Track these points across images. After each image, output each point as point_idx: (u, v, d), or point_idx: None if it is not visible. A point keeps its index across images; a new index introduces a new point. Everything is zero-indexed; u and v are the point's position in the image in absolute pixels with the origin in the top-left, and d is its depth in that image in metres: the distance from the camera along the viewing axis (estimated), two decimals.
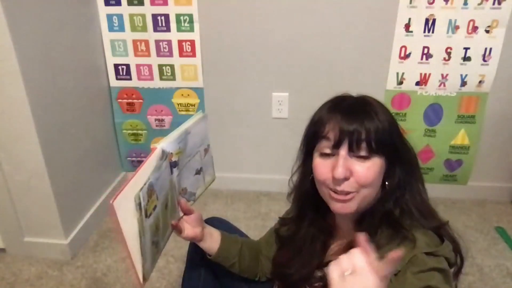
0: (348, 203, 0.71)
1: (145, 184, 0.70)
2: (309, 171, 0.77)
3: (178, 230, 0.86)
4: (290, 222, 0.89)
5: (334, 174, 0.68)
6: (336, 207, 0.72)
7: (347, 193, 0.70)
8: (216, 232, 0.94)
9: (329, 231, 0.81)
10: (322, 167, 0.72)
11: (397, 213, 0.72)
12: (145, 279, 0.75)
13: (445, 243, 0.69)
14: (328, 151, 0.71)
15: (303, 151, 0.82)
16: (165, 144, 0.80)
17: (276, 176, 1.91)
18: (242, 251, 0.94)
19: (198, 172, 0.96)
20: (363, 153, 0.69)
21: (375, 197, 0.73)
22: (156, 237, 0.77)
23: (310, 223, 0.82)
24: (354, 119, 0.69)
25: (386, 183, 0.73)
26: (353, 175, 0.69)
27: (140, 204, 0.68)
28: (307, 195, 0.81)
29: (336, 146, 0.70)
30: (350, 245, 0.72)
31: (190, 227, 0.88)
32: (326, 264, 0.75)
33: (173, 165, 0.83)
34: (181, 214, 0.90)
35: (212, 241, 0.92)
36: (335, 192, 0.71)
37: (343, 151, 0.69)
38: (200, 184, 0.99)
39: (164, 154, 0.78)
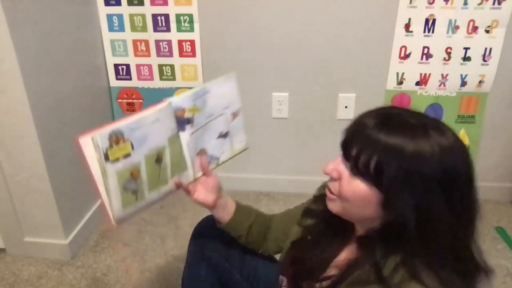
0: (330, 201, 0.70)
1: (110, 129, 0.72)
2: None
3: (185, 191, 0.84)
4: (315, 215, 0.86)
5: (324, 167, 0.68)
6: (326, 202, 0.72)
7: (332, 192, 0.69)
8: (232, 204, 0.93)
9: (349, 231, 0.77)
10: (330, 161, 0.70)
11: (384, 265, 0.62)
12: (117, 222, 0.79)
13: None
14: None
15: None
16: (177, 98, 0.79)
17: (276, 176, 1.91)
18: (252, 227, 0.94)
19: (223, 135, 0.93)
20: (352, 168, 0.64)
21: (373, 221, 0.66)
22: (132, 185, 0.78)
23: (333, 220, 0.78)
24: (379, 128, 0.61)
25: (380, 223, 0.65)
26: (340, 181, 0.66)
27: (98, 146, 0.71)
28: None
29: (340, 145, 0.67)
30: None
31: (203, 191, 0.86)
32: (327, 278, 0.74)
33: (186, 121, 0.82)
34: (198, 175, 0.88)
35: (224, 212, 0.91)
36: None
37: (342, 156, 0.67)
38: (225, 149, 0.95)
39: (170, 108, 0.78)
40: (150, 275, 1.47)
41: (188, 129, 0.83)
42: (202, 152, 0.89)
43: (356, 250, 0.71)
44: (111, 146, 0.73)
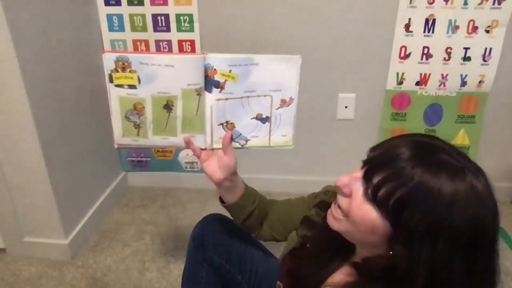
0: (335, 220, 0.65)
1: (119, 54, 0.74)
2: None
3: (195, 154, 0.82)
4: (317, 226, 0.83)
5: (337, 179, 0.63)
6: (328, 217, 0.68)
7: (339, 210, 0.64)
8: (240, 189, 0.90)
9: (349, 249, 0.74)
10: (344, 175, 0.64)
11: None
12: (118, 145, 0.83)
13: None
14: (360, 165, 0.63)
15: None
16: (213, 55, 0.75)
17: (276, 176, 1.91)
18: (252, 212, 0.92)
19: (261, 119, 0.84)
20: (368, 193, 0.58)
21: (377, 248, 0.61)
22: (135, 118, 0.80)
23: (333, 237, 0.75)
24: (410, 157, 0.55)
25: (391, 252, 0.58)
26: (350, 199, 0.61)
27: (105, 64, 0.75)
28: None
29: (363, 162, 0.62)
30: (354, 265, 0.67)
31: (213, 166, 0.82)
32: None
33: (214, 84, 0.77)
34: (216, 146, 0.83)
35: (229, 195, 0.90)
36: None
37: (361, 173, 0.61)
38: (259, 134, 0.86)
39: (200, 61, 0.75)
40: (150, 275, 1.47)
41: (215, 93, 0.78)
42: (229, 125, 0.82)
43: (352, 272, 0.67)
44: (116, 70, 0.75)
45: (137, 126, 0.81)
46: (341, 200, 0.63)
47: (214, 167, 0.84)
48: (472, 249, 0.53)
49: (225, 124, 0.83)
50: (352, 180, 0.61)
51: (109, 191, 1.84)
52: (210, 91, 0.79)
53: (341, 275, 0.70)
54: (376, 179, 0.57)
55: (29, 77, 1.27)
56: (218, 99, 0.80)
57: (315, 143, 1.83)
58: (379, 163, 0.59)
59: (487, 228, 0.55)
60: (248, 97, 0.81)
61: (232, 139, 0.84)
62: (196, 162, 1.92)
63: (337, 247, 0.72)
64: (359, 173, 0.61)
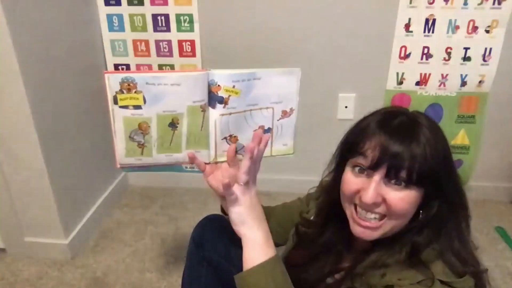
0: (371, 230, 0.67)
1: (124, 75, 0.72)
2: (340, 180, 0.72)
3: (200, 168, 0.81)
4: (312, 226, 0.85)
5: (363, 197, 0.64)
6: (357, 230, 0.68)
7: (375, 219, 0.66)
8: None
9: (348, 241, 0.77)
10: (351, 183, 0.67)
11: (424, 250, 0.66)
12: (121, 165, 0.81)
13: (466, 277, 0.63)
14: (362, 168, 0.66)
15: (337, 158, 0.77)
16: (217, 71, 0.75)
17: (276, 176, 1.91)
18: None
19: (263, 131, 0.86)
20: (400, 182, 0.63)
21: (403, 225, 0.67)
22: (139, 138, 0.79)
23: (333, 232, 0.78)
24: (400, 142, 0.63)
25: (420, 214, 0.67)
26: (384, 202, 0.64)
27: (110, 86, 0.73)
28: (335, 205, 0.75)
29: (373, 167, 0.64)
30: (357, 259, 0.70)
31: (218, 179, 0.82)
32: (338, 271, 0.74)
33: (218, 100, 0.78)
34: (221, 159, 0.84)
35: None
36: (359, 214, 0.67)
37: (379, 175, 0.64)
38: None
39: (204, 77, 0.75)
40: (150, 275, 1.47)
41: (219, 108, 0.78)
42: (232, 139, 0.84)
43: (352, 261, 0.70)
44: (121, 91, 0.74)
45: (141, 145, 0.80)
46: (378, 209, 0.66)
47: (219, 180, 0.83)
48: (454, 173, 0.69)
49: (228, 137, 0.84)
50: (377, 189, 0.64)
51: (109, 191, 1.84)
52: (214, 107, 0.79)
53: (350, 257, 0.72)
54: (403, 173, 0.62)
55: (29, 77, 1.27)
56: (222, 114, 0.80)
57: (315, 143, 1.83)
58: (399, 158, 0.63)
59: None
60: (251, 110, 0.83)
61: (236, 152, 0.84)
62: None
63: (332, 246, 0.74)
64: (377, 176, 0.64)
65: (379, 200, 0.64)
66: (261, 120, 0.84)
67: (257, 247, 0.71)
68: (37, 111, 1.32)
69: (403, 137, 0.63)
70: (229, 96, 0.78)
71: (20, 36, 1.23)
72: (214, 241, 0.98)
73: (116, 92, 0.74)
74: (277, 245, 0.96)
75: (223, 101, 0.78)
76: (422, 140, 0.63)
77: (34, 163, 1.38)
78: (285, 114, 0.86)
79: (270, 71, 0.81)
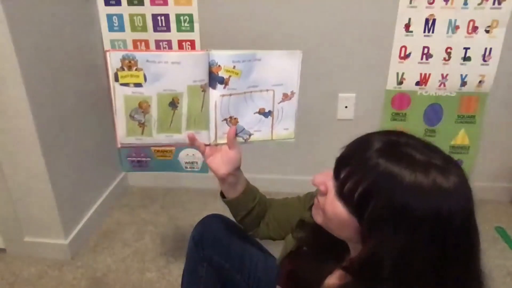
0: (316, 212, 0.67)
1: (124, 52, 0.73)
2: None
3: (199, 150, 0.81)
4: (311, 228, 0.83)
5: (313, 178, 0.65)
6: (312, 211, 0.69)
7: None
8: (242, 185, 0.90)
9: (344, 250, 0.75)
10: (319, 173, 0.66)
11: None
12: (121, 145, 0.82)
13: None
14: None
15: None
16: (217, 52, 0.75)
17: (276, 176, 1.91)
18: (252, 210, 0.93)
19: (263, 113, 0.86)
20: (337, 189, 0.60)
21: (357, 242, 0.62)
22: (140, 117, 0.79)
23: (327, 238, 0.75)
24: (372, 152, 0.57)
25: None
26: (326, 196, 0.63)
27: (111, 64, 0.74)
28: None
29: (336, 161, 0.64)
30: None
31: (218, 161, 0.82)
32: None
33: (218, 80, 0.78)
34: (221, 141, 0.83)
35: (231, 190, 0.90)
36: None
37: (332, 170, 0.63)
38: (262, 129, 0.88)
39: (204, 57, 0.75)
40: (150, 275, 1.47)
41: (220, 89, 0.78)
42: (232, 121, 0.83)
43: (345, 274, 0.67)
44: (122, 68, 0.74)
45: (142, 124, 0.80)
46: (320, 198, 0.65)
47: (219, 162, 0.84)
48: (440, 238, 0.54)
49: (228, 119, 0.84)
50: (326, 178, 0.63)
51: (109, 191, 1.84)
52: (214, 87, 0.79)
53: (334, 279, 0.70)
54: (343, 174, 0.59)
55: (29, 77, 1.28)
56: (222, 95, 0.80)
57: (315, 143, 1.83)
58: (345, 159, 0.61)
59: (454, 222, 0.54)
60: (251, 92, 0.82)
61: (236, 134, 0.84)
62: (196, 162, 1.92)
63: (332, 247, 0.72)
64: (331, 170, 0.63)
65: (322, 188, 0.63)
66: (262, 102, 0.84)
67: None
68: (37, 111, 1.32)
69: (384, 150, 0.57)
70: (230, 76, 0.78)
71: (20, 36, 1.23)
72: (214, 241, 0.98)
73: (117, 69, 0.75)
74: (272, 239, 0.97)
75: (223, 81, 0.78)
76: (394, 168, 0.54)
77: (34, 163, 1.38)
78: (286, 97, 0.85)
79: (271, 53, 0.80)
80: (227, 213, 1.04)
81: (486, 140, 1.78)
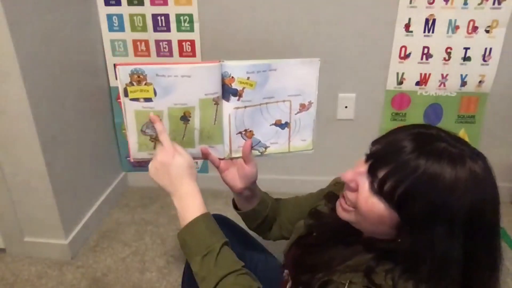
0: (345, 211, 0.67)
1: (133, 67, 0.71)
2: None
3: (214, 164, 0.79)
4: (324, 216, 0.84)
5: (342, 175, 0.65)
6: (337, 209, 0.69)
7: (347, 204, 0.66)
8: (258, 198, 0.89)
9: (356, 235, 0.75)
10: (349, 169, 0.65)
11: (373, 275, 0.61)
12: (135, 160, 0.80)
13: None
14: (366, 155, 0.64)
15: None
16: (230, 63, 0.73)
17: (277, 176, 1.91)
18: (266, 217, 0.93)
19: (280, 125, 0.83)
20: (374, 187, 0.60)
21: (375, 234, 0.65)
22: (151, 131, 0.77)
23: (341, 228, 0.76)
24: (409, 153, 0.57)
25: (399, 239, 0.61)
26: (357, 193, 0.63)
27: (120, 78, 0.73)
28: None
29: (367, 156, 0.64)
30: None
31: (233, 175, 0.81)
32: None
33: (232, 92, 0.75)
34: (236, 155, 0.81)
35: (245, 203, 0.89)
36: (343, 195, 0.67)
37: (365, 167, 0.62)
38: (279, 141, 0.85)
39: (217, 69, 0.72)
40: (150, 275, 1.47)
41: (233, 101, 0.76)
42: (247, 133, 0.80)
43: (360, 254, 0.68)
44: (131, 83, 0.73)
45: (154, 139, 0.78)
46: (349, 193, 0.65)
47: (234, 177, 0.83)
48: (470, 233, 0.56)
49: (243, 132, 0.81)
50: (357, 175, 0.63)
51: (109, 191, 1.84)
52: (228, 100, 0.76)
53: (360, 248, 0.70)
54: (381, 173, 0.59)
55: (29, 77, 1.27)
56: (237, 108, 0.77)
57: (315, 143, 1.83)
58: (382, 157, 0.61)
59: (485, 211, 0.57)
60: (266, 103, 0.79)
61: (251, 147, 0.82)
62: (196, 162, 1.92)
63: (343, 235, 0.72)
64: (363, 168, 0.63)
65: (353, 185, 0.63)
66: (278, 113, 0.81)
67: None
68: (37, 111, 1.32)
69: (421, 148, 0.58)
70: (244, 88, 0.75)
71: (20, 36, 1.23)
72: None
73: (126, 84, 0.73)
74: (285, 239, 0.96)
75: (237, 93, 0.75)
76: (430, 165, 0.56)
77: (34, 163, 1.38)
78: (303, 107, 0.83)
79: (287, 62, 0.77)
80: (227, 214, 1.04)
81: (486, 140, 1.78)
